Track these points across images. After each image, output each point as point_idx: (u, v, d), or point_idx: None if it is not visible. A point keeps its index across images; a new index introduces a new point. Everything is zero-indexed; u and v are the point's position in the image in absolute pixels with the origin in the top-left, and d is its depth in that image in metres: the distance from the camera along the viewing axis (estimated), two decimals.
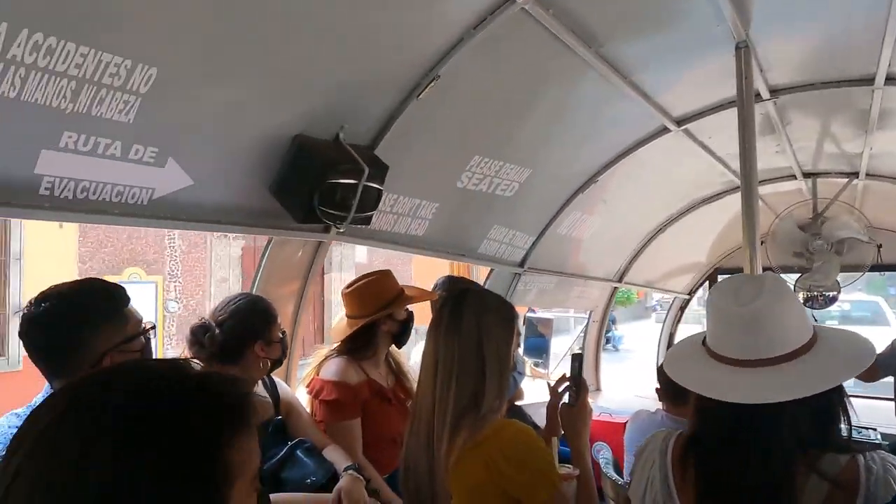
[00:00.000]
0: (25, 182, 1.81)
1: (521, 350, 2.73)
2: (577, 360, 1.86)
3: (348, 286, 2.83)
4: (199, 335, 2.39)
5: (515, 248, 4.30)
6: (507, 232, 4.10)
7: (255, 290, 2.87)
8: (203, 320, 2.45)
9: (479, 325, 1.60)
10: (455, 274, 2.88)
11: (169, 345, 11.52)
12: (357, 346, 2.70)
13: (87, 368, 1.62)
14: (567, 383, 1.77)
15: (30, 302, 1.61)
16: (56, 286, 1.68)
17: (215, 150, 2.30)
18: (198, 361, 1.10)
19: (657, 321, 17.96)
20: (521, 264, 4.45)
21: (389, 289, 2.92)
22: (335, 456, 2.34)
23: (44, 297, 1.63)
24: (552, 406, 1.81)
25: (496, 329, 1.62)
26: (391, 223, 3.29)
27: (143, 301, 10.73)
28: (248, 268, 12.99)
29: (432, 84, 2.68)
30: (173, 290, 11.95)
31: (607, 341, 14.33)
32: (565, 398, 1.77)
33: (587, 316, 6.42)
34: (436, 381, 1.60)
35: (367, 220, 2.81)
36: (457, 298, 1.69)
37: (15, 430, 0.64)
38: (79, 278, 1.78)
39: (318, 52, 2.30)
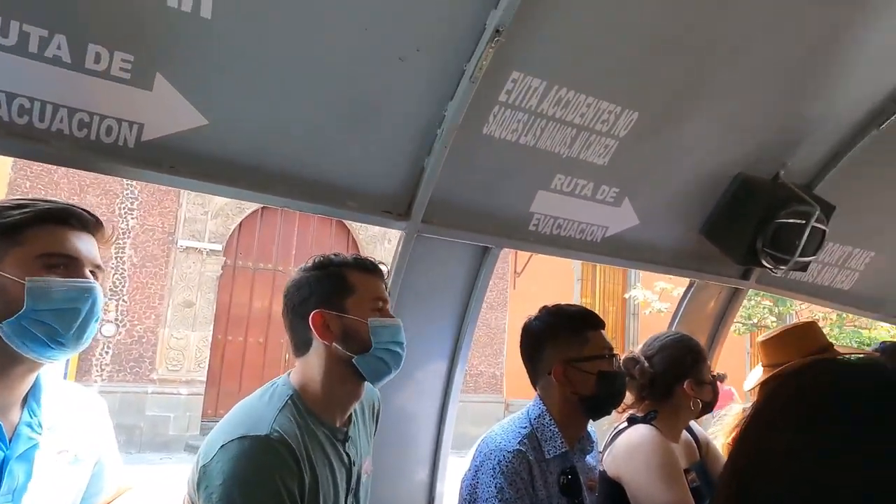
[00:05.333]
0: (522, 218, 2.13)
1: None
2: None
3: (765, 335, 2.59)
4: (630, 367, 2.41)
5: None
6: None
7: None
8: (633, 353, 2.47)
9: None
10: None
11: (100, 375, 9.24)
12: None
13: (544, 375, 1.79)
14: None
15: None
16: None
17: (660, 192, 2.37)
18: None
19: None
20: None
21: (818, 338, 2.58)
22: None
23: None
24: None
25: None
26: (814, 273, 2.93)
27: None
28: (226, 293, 10.36)
29: None
30: (114, 310, 9.45)
31: None
32: None
33: None
34: None
35: (805, 267, 2.55)
36: None
37: None
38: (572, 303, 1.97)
39: (767, 92, 2.23)
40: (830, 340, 2.86)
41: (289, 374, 1.40)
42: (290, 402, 1.31)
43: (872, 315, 3.33)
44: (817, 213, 2.33)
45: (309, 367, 1.39)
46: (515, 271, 12.52)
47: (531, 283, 12.16)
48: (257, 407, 1.30)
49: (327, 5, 1.47)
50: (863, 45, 2.19)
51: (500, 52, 1.66)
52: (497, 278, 12.39)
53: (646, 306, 11.63)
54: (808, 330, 2.63)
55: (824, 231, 2.43)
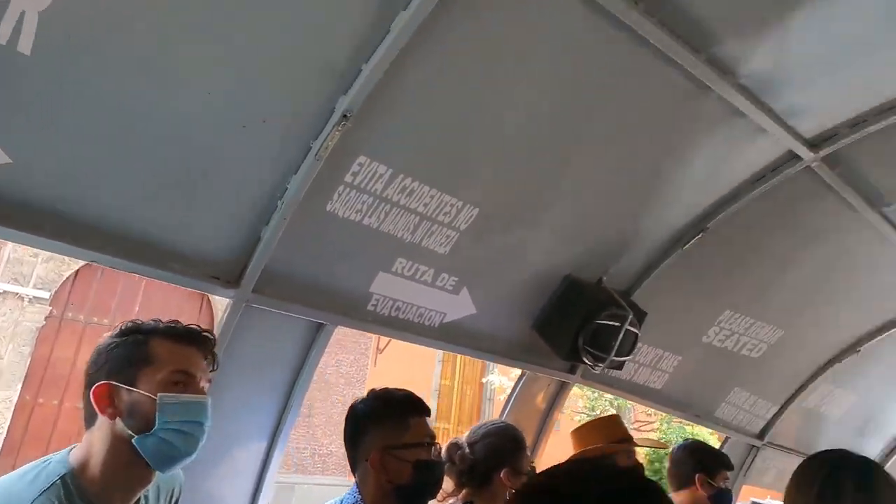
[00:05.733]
0: (360, 297, 2.13)
1: None
2: None
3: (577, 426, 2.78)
4: (452, 452, 2.42)
5: (755, 416, 3.88)
6: (748, 397, 3.74)
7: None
8: (457, 438, 2.49)
9: None
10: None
11: None
12: None
13: (362, 462, 1.75)
14: None
15: None
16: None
17: (496, 285, 2.51)
18: None
19: None
20: (761, 436, 3.97)
21: (620, 429, 2.80)
22: None
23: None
24: None
25: None
26: (631, 372, 3.20)
27: None
28: (46, 347, 9.16)
29: (700, 236, 2.72)
30: None
31: None
32: None
33: None
34: None
35: (621, 366, 2.78)
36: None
37: None
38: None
39: (593, 205, 2.50)
40: (658, 434, 3.09)
41: (70, 449, 1.24)
42: (59, 482, 1.15)
43: (682, 414, 3.67)
44: (630, 317, 2.58)
45: (92, 444, 1.24)
46: (378, 348, 12.35)
47: (393, 361, 12.05)
48: (13, 488, 1.13)
49: (169, 63, 1.45)
50: (673, 176, 2.54)
51: (347, 136, 1.72)
52: (359, 354, 12.11)
53: (501, 392, 11.93)
54: (612, 422, 2.85)
55: (637, 334, 2.69)
